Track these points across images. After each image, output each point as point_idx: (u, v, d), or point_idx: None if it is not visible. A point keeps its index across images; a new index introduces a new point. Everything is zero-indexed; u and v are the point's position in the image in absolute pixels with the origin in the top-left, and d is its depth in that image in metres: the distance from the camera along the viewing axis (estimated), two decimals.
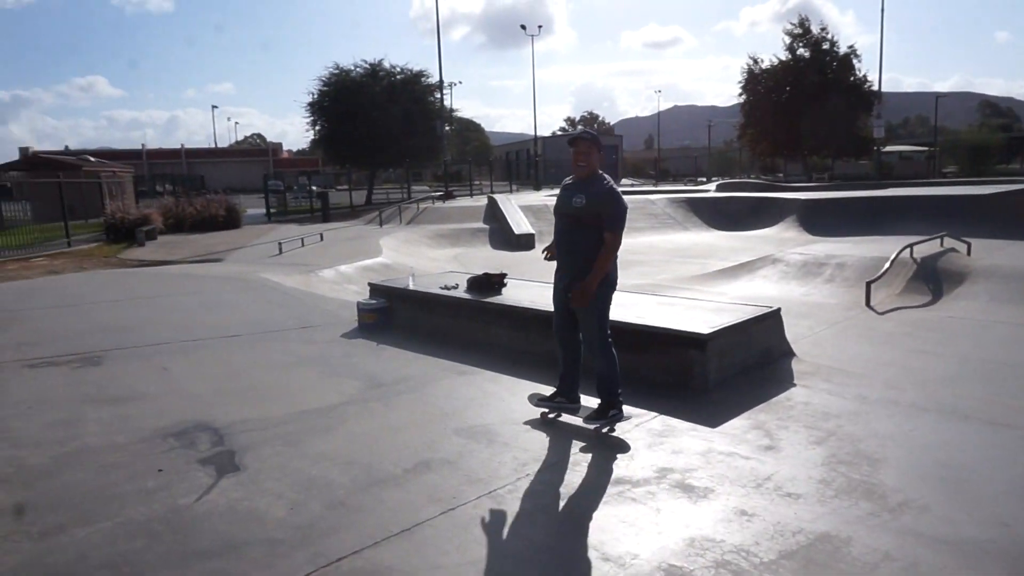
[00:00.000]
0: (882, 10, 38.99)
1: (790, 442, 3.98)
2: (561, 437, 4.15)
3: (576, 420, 4.34)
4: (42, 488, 3.62)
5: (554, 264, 4.38)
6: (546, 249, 4.54)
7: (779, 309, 5.73)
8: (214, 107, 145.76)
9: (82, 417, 4.71)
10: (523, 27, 47.77)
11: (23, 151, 45.29)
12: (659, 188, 35.00)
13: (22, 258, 14.77)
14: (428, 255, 16.76)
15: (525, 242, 19.50)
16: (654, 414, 4.47)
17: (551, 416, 4.47)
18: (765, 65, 46.14)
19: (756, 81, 46.26)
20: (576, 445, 4.03)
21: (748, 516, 3.13)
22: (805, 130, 41.51)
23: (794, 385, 5.01)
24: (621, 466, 3.73)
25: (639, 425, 4.30)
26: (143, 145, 68.47)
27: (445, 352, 6.11)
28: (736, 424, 4.28)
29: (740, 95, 47.89)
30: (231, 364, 6.06)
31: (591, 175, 4.09)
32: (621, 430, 4.19)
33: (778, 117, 43.56)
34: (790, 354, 5.66)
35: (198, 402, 4.97)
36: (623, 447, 3.97)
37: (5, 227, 16.59)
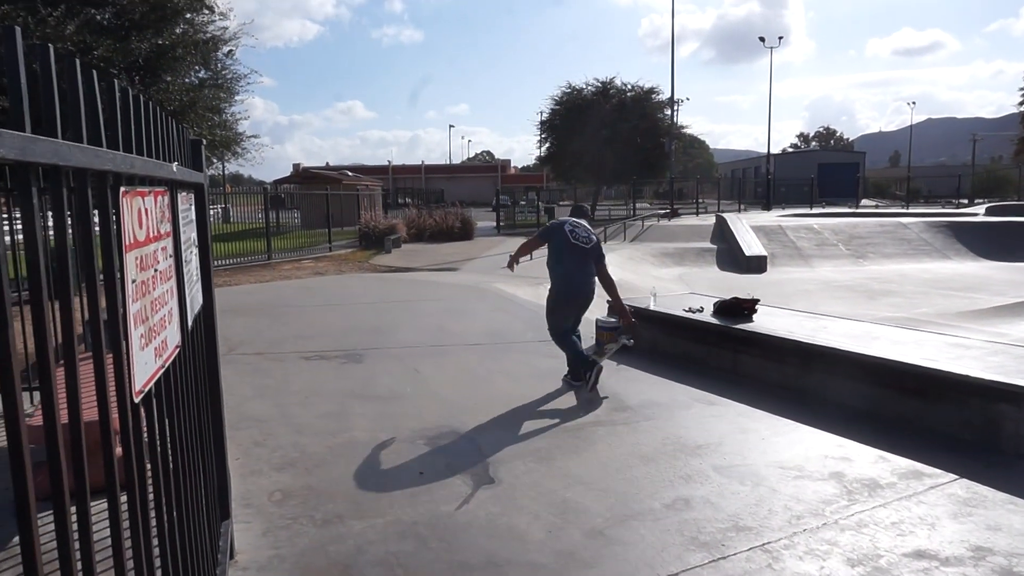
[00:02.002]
0: None
1: None
2: (841, 489, 3.65)
3: (848, 468, 3.83)
4: (321, 475, 3.90)
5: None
6: None
7: None
8: (451, 127, 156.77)
9: (349, 411, 5.08)
10: (762, 39, 45.38)
11: (295, 167, 52.20)
12: (910, 211, 31.35)
13: (294, 260, 16.83)
14: (652, 273, 16.39)
15: (756, 264, 18.39)
16: (953, 476, 3.79)
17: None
18: None
19: None
20: (862, 501, 3.51)
21: None
22: None
23: None
24: (921, 535, 3.16)
25: (935, 488, 3.66)
26: (389, 161, 75.71)
27: (688, 378, 5.79)
28: None
29: (1021, 103, 41.47)
30: (477, 371, 6.24)
31: None
32: (910, 490, 3.60)
33: None
34: None
35: (450, 407, 5.14)
36: (921, 513, 3.39)
37: (280, 232, 19.01)
